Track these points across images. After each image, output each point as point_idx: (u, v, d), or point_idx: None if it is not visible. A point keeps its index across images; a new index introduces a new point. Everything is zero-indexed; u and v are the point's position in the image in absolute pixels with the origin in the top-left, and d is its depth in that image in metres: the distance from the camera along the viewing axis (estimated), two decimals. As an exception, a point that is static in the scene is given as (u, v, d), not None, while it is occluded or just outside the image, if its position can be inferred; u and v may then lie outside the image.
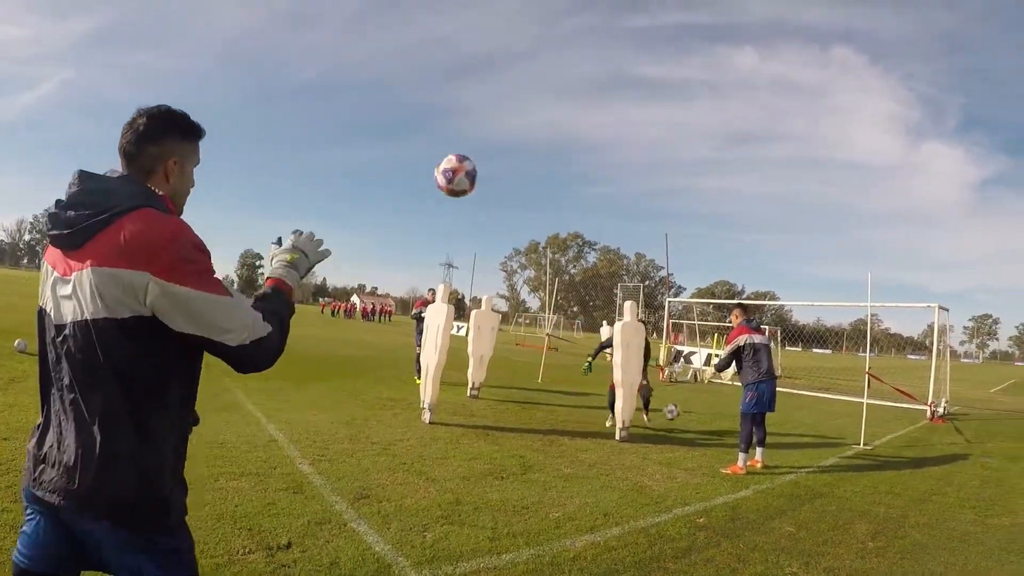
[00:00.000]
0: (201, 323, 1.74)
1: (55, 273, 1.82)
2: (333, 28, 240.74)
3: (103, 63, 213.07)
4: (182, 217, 1.99)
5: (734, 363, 8.12)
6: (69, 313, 1.76)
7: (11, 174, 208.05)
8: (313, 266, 2.17)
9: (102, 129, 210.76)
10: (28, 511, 1.87)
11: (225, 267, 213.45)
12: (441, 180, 4.81)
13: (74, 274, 1.75)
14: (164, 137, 1.94)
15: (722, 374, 8.53)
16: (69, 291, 1.76)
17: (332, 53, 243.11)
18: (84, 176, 1.82)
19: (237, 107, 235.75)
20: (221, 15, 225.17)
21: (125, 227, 1.72)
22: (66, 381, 1.78)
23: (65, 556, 1.84)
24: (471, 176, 4.87)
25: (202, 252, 1.81)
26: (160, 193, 1.91)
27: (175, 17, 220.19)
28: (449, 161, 4.85)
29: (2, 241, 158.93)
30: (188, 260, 1.74)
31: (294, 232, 2.18)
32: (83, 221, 1.74)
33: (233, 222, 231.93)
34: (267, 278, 2.08)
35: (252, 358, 1.84)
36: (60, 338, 1.79)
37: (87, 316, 1.72)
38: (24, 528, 1.88)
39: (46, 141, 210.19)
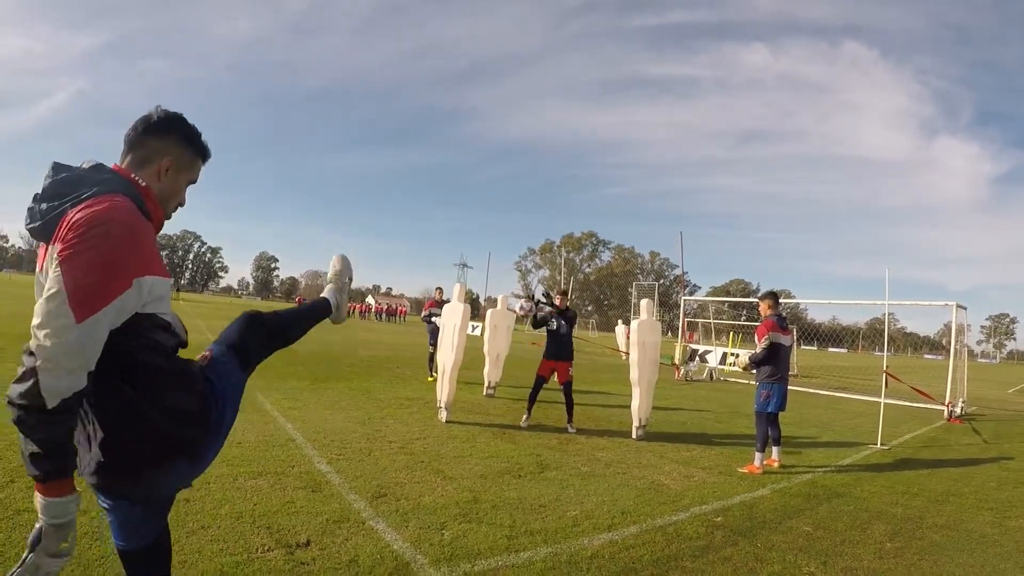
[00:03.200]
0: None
1: (38, 270, 1.77)
2: (343, 35, 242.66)
3: (116, 73, 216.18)
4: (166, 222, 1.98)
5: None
6: None
7: (29, 182, 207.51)
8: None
9: (117, 137, 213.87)
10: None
11: (241, 270, 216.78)
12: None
13: (44, 264, 1.70)
14: (168, 135, 1.92)
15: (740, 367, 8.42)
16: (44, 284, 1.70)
17: (343, 60, 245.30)
18: (57, 168, 1.77)
19: (249, 114, 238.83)
20: (232, 24, 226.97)
21: (77, 211, 1.65)
22: None
23: None
24: None
25: (108, 243, 1.64)
26: (143, 184, 1.85)
27: (186, 26, 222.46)
28: None
29: (20, 248, 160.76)
30: (86, 244, 1.61)
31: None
32: (51, 212, 1.69)
33: (248, 226, 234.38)
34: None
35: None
36: None
37: None
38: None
39: (62, 150, 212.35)
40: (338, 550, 4.10)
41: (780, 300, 8.28)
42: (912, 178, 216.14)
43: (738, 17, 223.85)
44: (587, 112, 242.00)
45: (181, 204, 2.05)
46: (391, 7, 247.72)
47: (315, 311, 2.91)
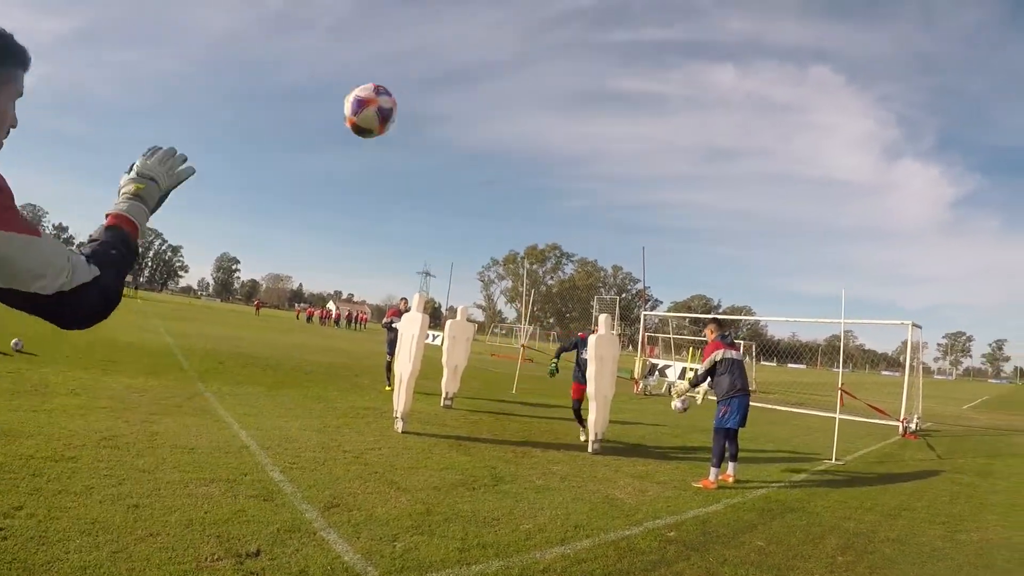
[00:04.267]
0: (7, 271, 1.38)
1: None
2: (317, 35, 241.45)
3: (85, 61, 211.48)
4: None
5: (708, 380, 8.18)
6: None
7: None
8: (168, 193, 1.78)
9: (82, 124, 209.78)
10: None
11: (202, 270, 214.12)
12: (348, 110, 3.45)
13: None
14: None
15: (697, 391, 8.56)
16: None
17: (314, 60, 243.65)
18: None
19: (219, 110, 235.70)
20: (206, 17, 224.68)
21: None
22: None
23: None
24: (383, 115, 3.54)
25: (1, 186, 1.46)
26: None
27: (160, 18, 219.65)
28: (365, 89, 3.57)
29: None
30: None
31: (144, 154, 1.77)
32: None
33: (211, 226, 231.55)
34: (106, 215, 1.67)
35: (75, 309, 1.47)
36: None
37: None
38: None
39: (22, 135, 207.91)
40: (288, 560, 4.03)
41: (730, 324, 8.41)
42: (874, 199, 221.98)
43: (710, 37, 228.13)
44: (556, 123, 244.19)
45: (13, 126, 1.70)
46: (367, 9, 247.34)
47: None
